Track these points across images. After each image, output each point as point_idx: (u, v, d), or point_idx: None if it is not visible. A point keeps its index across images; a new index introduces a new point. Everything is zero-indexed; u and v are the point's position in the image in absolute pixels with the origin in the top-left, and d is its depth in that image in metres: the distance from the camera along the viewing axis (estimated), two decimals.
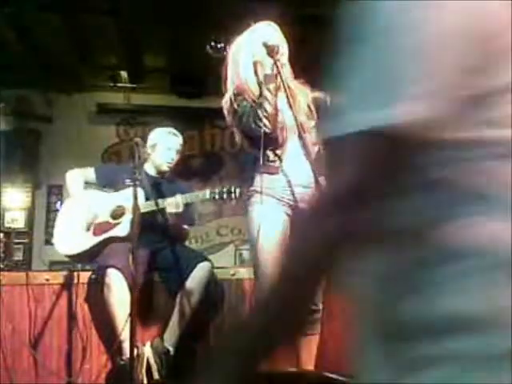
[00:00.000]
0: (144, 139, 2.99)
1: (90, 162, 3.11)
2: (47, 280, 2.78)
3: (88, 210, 2.93)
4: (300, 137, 2.20)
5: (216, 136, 6.63)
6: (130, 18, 4.45)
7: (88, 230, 2.93)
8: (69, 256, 2.92)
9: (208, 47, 4.45)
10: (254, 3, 3.32)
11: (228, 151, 6.62)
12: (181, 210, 2.75)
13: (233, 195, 2.65)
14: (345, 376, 1.61)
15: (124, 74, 5.82)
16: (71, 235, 2.94)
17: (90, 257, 2.93)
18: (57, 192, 5.99)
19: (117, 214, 2.91)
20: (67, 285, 2.78)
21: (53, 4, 4.28)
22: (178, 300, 2.67)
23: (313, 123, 2.31)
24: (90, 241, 2.89)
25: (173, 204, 2.74)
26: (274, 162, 2.24)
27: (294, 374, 1.63)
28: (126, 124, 6.40)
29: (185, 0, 4.12)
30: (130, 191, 2.75)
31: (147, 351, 2.58)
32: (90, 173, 3.04)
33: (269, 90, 2.17)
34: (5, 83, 5.21)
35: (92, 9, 4.34)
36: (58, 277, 2.80)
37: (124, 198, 2.85)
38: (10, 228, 5.79)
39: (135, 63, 5.66)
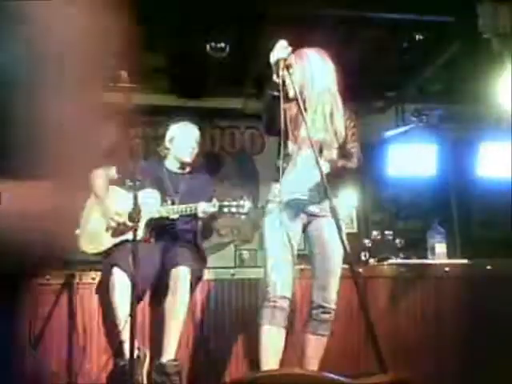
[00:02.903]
0: (144, 139, 2.98)
1: None
2: (47, 280, 2.78)
3: (108, 209, 2.92)
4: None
5: (216, 136, 6.62)
6: (129, 17, 4.44)
7: (107, 230, 2.92)
8: (93, 254, 2.92)
9: (208, 47, 4.45)
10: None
11: (228, 151, 6.62)
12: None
13: (241, 209, 2.61)
14: (345, 376, 1.61)
15: (124, 74, 5.81)
16: (94, 234, 2.93)
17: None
18: None
19: (134, 217, 2.89)
20: (67, 285, 2.78)
21: None
22: (165, 305, 2.64)
23: (336, 144, 2.47)
24: (108, 241, 2.89)
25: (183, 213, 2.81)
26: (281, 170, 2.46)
27: (295, 374, 1.63)
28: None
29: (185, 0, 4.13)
30: (150, 190, 2.78)
31: (147, 353, 2.57)
32: (112, 171, 3.02)
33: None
34: None
35: None
36: (58, 277, 2.80)
37: (144, 197, 2.81)
38: None
39: (135, 63, 5.65)
